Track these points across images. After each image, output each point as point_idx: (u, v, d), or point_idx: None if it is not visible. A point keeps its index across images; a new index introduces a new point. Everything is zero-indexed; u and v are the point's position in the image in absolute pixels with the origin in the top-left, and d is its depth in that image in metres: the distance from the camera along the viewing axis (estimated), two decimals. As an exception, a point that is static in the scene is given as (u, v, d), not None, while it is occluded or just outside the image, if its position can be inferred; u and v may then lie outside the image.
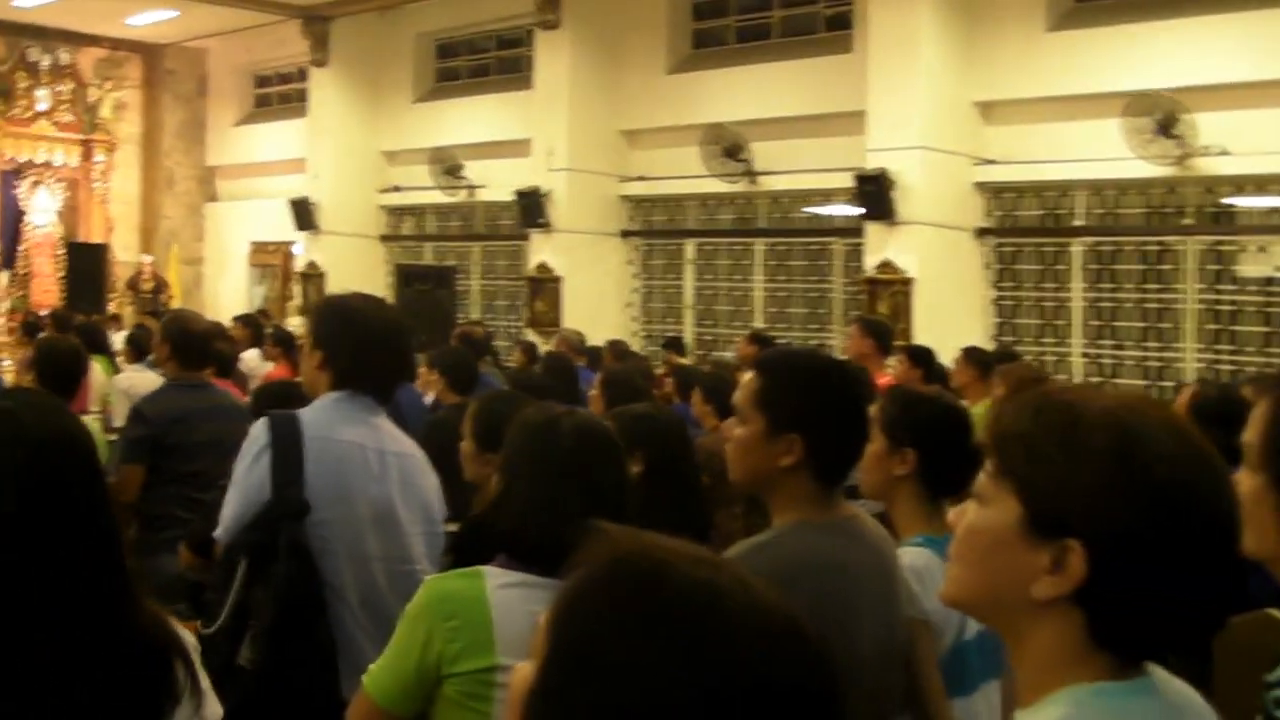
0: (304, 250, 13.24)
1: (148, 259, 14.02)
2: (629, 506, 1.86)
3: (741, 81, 10.00)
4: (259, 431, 2.35)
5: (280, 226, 13.25)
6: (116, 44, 14.90)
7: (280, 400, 2.92)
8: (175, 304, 12.73)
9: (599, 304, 10.59)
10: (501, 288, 12.23)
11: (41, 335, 6.57)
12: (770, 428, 1.80)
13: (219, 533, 2.36)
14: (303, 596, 2.24)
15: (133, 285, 13.41)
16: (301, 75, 13.81)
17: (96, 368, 6.46)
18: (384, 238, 13.22)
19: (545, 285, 10.66)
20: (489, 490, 2.22)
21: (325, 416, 2.39)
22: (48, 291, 13.71)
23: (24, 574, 1.29)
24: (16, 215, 14.24)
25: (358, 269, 12.06)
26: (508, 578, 1.77)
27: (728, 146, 9.81)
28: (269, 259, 14.31)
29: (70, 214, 14.56)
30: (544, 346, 8.78)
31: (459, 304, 11.30)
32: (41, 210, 14.41)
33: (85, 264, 12.79)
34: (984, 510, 0.99)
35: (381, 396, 2.46)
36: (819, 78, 9.49)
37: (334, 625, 2.28)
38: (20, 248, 14.19)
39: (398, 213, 13.22)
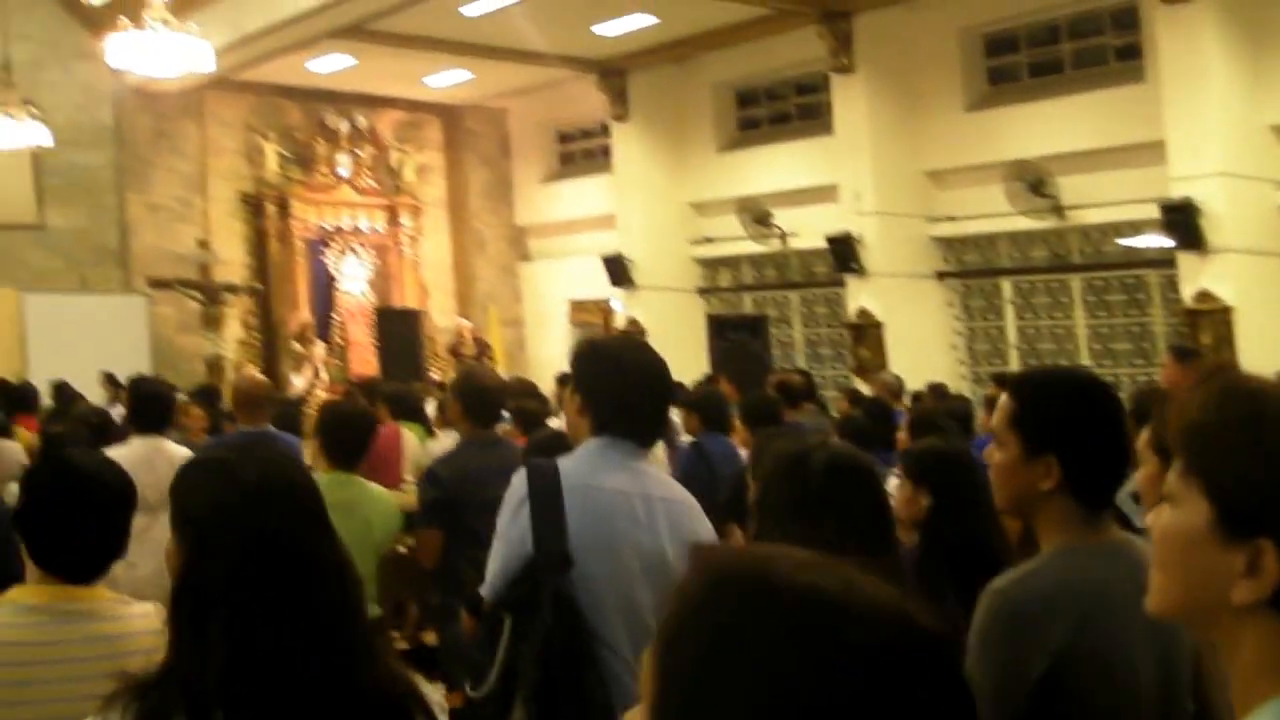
0: (623, 307, 17.71)
1: (467, 323, 18.60)
2: (890, 540, 2.36)
3: (1040, 116, 13.61)
4: (518, 483, 2.98)
5: (596, 283, 17.86)
6: (415, 106, 20.08)
7: (551, 450, 3.46)
8: (499, 367, 17.30)
9: (921, 347, 14.29)
10: (824, 335, 16.23)
11: (325, 401, 8.53)
12: (1027, 450, 2.28)
13: (484, 590, 2.99)
14: (569, 652, 2.77)
15: (454, 350, 17.81)
16: (603, 130, 18.58)
17: (409, 436, 7.92)
18: (701, 290, 17.57)
19: (867, 331, 14.50)
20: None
21: (586, 464, 3.00)
22: (366, 361, 17.81)
23: (247, 624, 1.82)
24: (327, 283, 19.01)
25: (678, 323, 16.34)
26: None
27: (1032, 182, 13.38)
28: (589, 317, 19.00)
29: (382, 280, 19.42)
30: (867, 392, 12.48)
31: (782, 352, 15.33)
32: (352, 277, 19.20)
33: (398, 330, 16.68)
34: (1175, 511, 1.22)
35: (644, 441, 3.12)
36: (1115, 109, 12.93)
37: (609, 681, 2.79)
38: (335, 317, 18.92)
39: (712, 264, 17.61)
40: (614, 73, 17.47)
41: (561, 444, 3.56)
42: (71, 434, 6.02)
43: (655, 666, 0.94)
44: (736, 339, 13.61)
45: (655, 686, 0.93)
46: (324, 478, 4.90)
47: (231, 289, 16.95)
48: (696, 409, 7.77)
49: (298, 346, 17.55)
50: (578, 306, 19.35)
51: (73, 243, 17.86)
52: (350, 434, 5.21)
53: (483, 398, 5.40)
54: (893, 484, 3.73)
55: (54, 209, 17.83)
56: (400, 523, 5.32)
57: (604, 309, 18.58)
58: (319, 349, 17.79)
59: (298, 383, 16.66)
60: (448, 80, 18.54)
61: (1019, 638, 2.19)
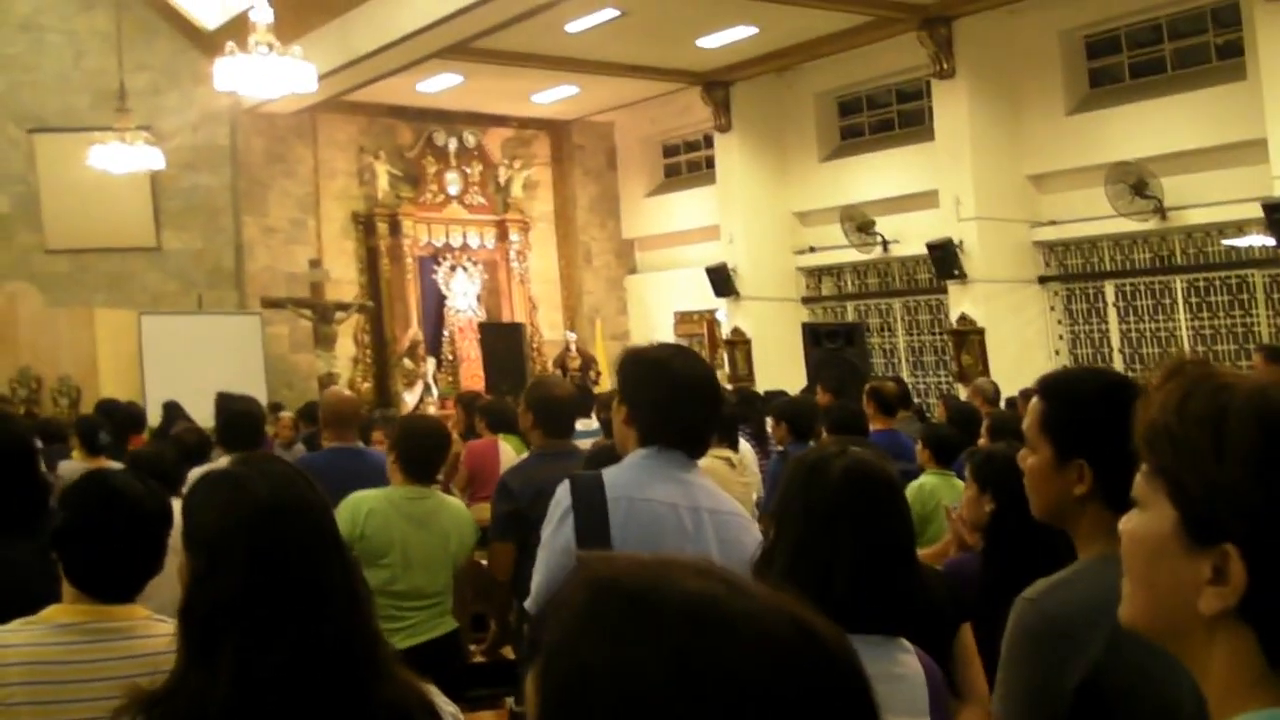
0: (727, 317, 18.09)
1: (572, 336, 19.22)
2: (909, 549, 2.35)
3: (1141, 117, 13.66)
4: (562, 494, 3.02)
5: (702, 295, 18.30)
6: (523, 123, 20.75)
7: (607, 462, 3.42)
8: (605, 381, 17.79)
9: (1024, 353, 14.41)
10: (927, 342, 16.41)
11: (405, 415, 8.46)
12: (1058, 455, 2.27)
13: (528, 603, 3.03)
14: None
15: (560, 364, 18.47)
16: (707, 142, 19.01)
17: (507, 449, 8.11)
18: (805, 299, 17.88)
19: (968, 337, 14.64)
20: None
21: (632, 475, 3.05)
22: (475, 376, 18.42)
23: (255, 642, 1.86)
24: (438, 300, 19.76)
25: (781, 332, 16.61)
26: None
27: (1134, 184, 13.41)
28: (694, 328, 19.41)
29: (491, 296, 20.13)
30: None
31: (885, 360, 15.54)
32: (462, 294, 19.97)
33: (502, 344, 17.28)
34: (1141, 516, 1.22)
35: (693, 451, 3.15)
36: (1217, 107, 12.95)
37: None
38: (445, 333, 19.64)
39: (816, 273, 17.93)
40: (717, 84, 17.87)
41: (617, 456, 3.48)
42: (156, 454, 6.31)
43: (537, 680, 0.93)
44: (832, 347, 13.82)
45: (536, 701, 0.93)
46: (398, 491, 5.19)
47: (343, 307, 17.66)
48: (785, 419, 8.05)
49: (408, 363, 18.25)
50: (683, 318, 19.80)
51: (189, 264, 18.78)
52: (425, 447, 5.30)
53: (554, 408, 5.50)
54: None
55: (171, 231, 18.78)
56: (477, 536, 5.44)
57: (709, 320, 18.99)
58: (429, 365, 18.49)
59: (409, 399, 17.30)
60: (554, 96, 19.11)
61: (1051, 649, 2.17)
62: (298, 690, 1.88)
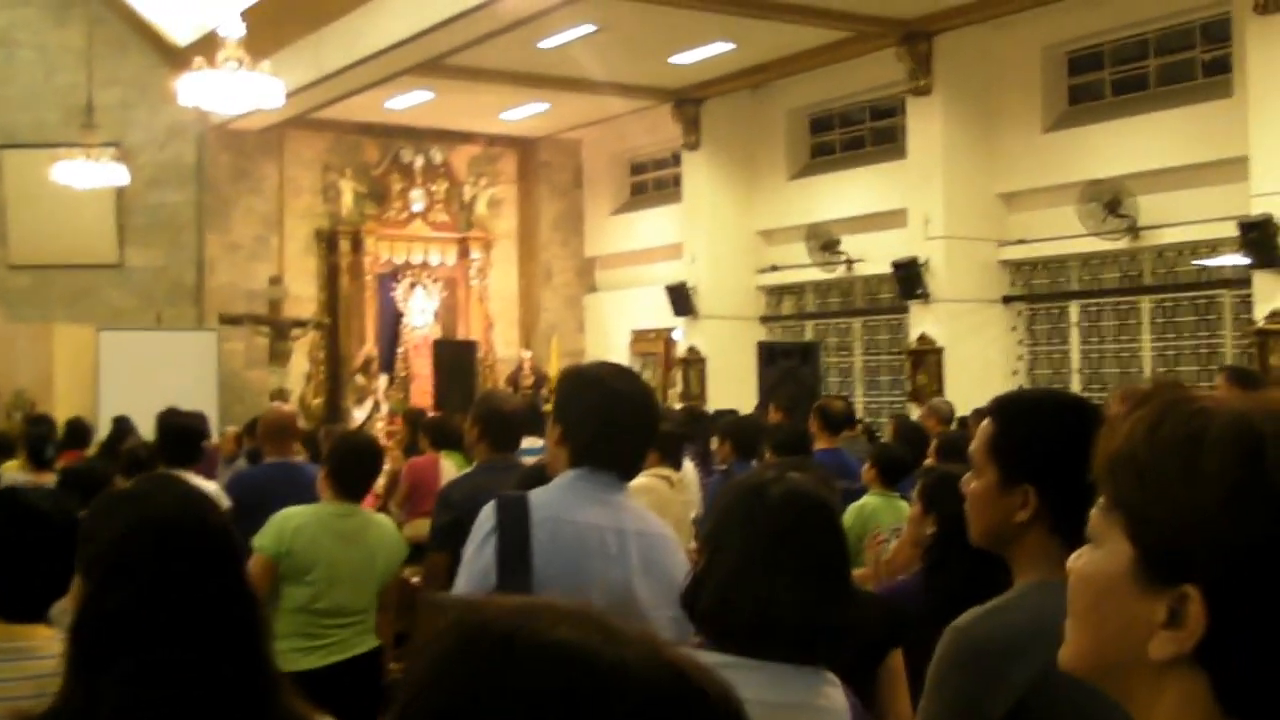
0: (684, 336, 18.14)
1: (527, 354, 19.32)
2: (844, 578, 2.35)
3: (1120, 134, 13.72)
4: (486, 514, 3.01)
5: (660, 313, 18.38)
6: (491, 140, 20.85)
7: (538, 482, 3.38)
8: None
9: (983, 373, 14.43)
10: (884, 362, 16.46)
11: (339, 432, 8.50)
12: (1004, 479, 2.25)
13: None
14: None
15: (513, 381, 18.55)
16: (675, 160, 19.06)
17: (448, 465, 8.21)
18: (764, 319, 17.92)
19: (926, 357, 14.70)
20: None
21: (559, 496, 3.05)
22: (426, 393, 18.22)
23: (144, 666, 1.83)
24: (394, 318, 19.91)
25: (738, 352, 16.66)
26: (708, 660, 2.38)
27: (1108, 202, 13.47)
28: (650, 347, 19.52)
29: (448, 314, 20.26)
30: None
31: (841, 379, 15.58)
32: (419, 311, 20.09)
33: (454, 362, 17.16)
34: (1095, 553, 1.14)
35: (626, 473, 3.13)
36: (1199, 124, 12.99)
37: None
38: (399, 350, 19.76)
39: (777, 292, 17.97)
40: (688, 101, 17.94)
41: (547, 477, 3.43)
42: (88, 469, 6.34)
43: None
44: (787, 365, 13.87)
45: None
46: (327, 508, 5.22)
47: (299, 324, 17.72)
48: (730, 437, 8.06)
49: (361, 379, 18.27)
50: (639, 336, 19.87)
51: (150, 281, 18.83)
52: (356, 464, 5.35)
53: (501, 421, 5.55)
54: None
55: (134, 248, 18.83)
56: (405, 553, 5.49)
57: (665, 339, 19.07)
58: (381, 382, 18.58)
59: (358, 415, 17.34)
60: (524, 113, 19.20)
61: (975, 678, 2.14)
62: (193, 711, 1.85)
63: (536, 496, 3.04)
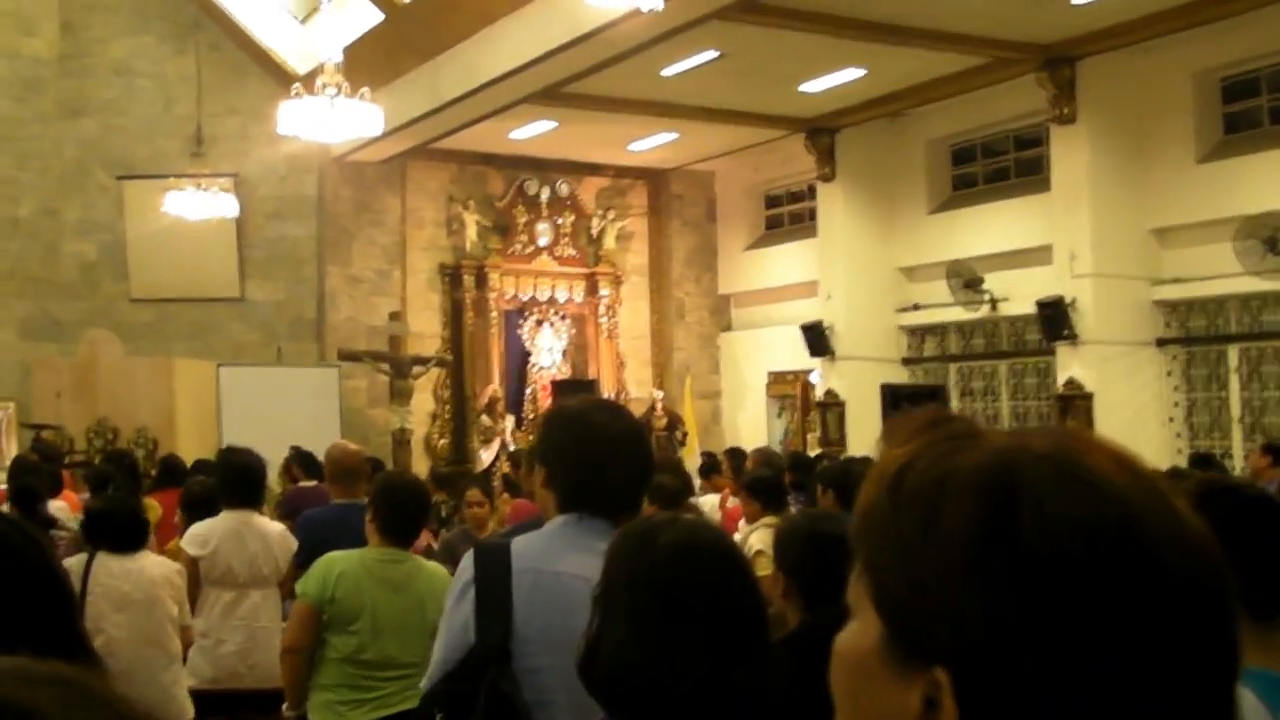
0: (822, 378, 18.08)
1: (659, 395, 19.40)
2: (757, 632, 2.24)
3: (1278, 166, 13.32)
4: (465, 565, 2.97)
5: (797, 354, 18.28)
6: (619, 171, 20.97)
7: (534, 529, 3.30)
8: (691, 440, 17.92)
9: (1136, 420, 14.15)
10: (1032, 408, 16.20)
11: (384, 473, 8.27)
12: None
13: (423, 682, 2.99)
14: None
15: (645, 424, 18.60)
16: (811, 192, 19.03)
17: None
18: (905, 360, 17.78)
19: (1075, 402, 14.43)
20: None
21: (543, 545, 2.97)
22: None
23: None
24: (522, 357, 20.17)
25: (877, 395, 16.50)
26: None
27: (1267, 238, 13.14)
28: (787, 389, 19.47)
29: (578, 352, 20.43)
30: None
31: (987, 426, 15.36)
32: (547, 350, 20.31)
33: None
34: (849, 628, 0.99)
35: (617, 518, 2.91)
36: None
37: None
38: (527, 390, 20.02)
39: (919, 332, 17.81)
40: (822, 131, 17.89)
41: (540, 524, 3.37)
42: (105, 511, 6.33)
43: None
44: (910, 411, 13.76)
45: None
46: (373, 553, 5.21)
47: (421, 361, 17.94)
48: (832, 485, 7.87)
49: (486, 420, 18.50)
50: (776, 378, 19.79)
51: (271, 315, 19.33)
52: (403, 508, 5.31)
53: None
54: None
55: (255, 281, 19.36)
56: None
57: (803, 381, 18.99)
58: (508, 422, 18.75)
59: (484, 456, 17.57)
60: (652, 143, 19.29)
61: None
62: None
63: (518, 545, 2.98)
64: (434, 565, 5.53)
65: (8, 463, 16.12)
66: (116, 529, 6.15)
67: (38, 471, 9.36)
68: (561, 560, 2.91)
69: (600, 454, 2.99)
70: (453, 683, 2.85)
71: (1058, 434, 0.96)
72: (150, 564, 6.20)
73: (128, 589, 5.99)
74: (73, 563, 6.04)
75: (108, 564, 6.03)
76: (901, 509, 0.94)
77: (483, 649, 2.82)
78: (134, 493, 8.62)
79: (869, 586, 0.96)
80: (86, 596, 5.83)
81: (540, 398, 19.86)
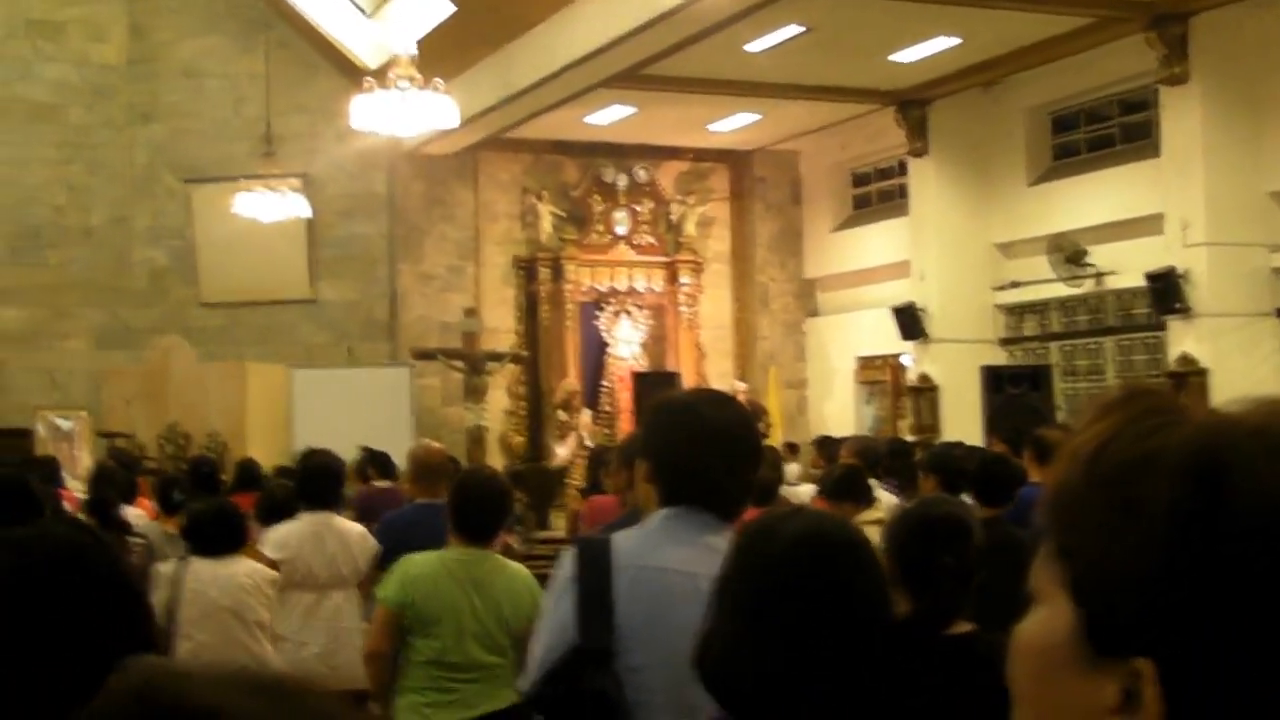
0: (913, 362, 17.81)
1: (742, 385, 19.15)
2: (876, 631, 2.18)
3: None
4: (565, 562, 2.94)
5: (887, 338, 18.06)
6: (699, 155, 20.77)
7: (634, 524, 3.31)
8: (775, 431, 17.72)
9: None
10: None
11: (462, 470, 8.36)
12: None
13: (520, 682, 2.98)
14: None
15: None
16: (901, 169, 18.77)
17: None
18: (1003, 341, 17.45)
19: (1189, 379, 14.05)
20: None
21: (646, 540, 2.94)
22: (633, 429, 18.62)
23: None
24: (599, 349, 20.06)
25: (974, 378, 16.21)
26: None
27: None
28: (876, 375, 19.24)
29: (656, 343, 20.28)
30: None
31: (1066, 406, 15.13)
32: (625, 342, 20.19)
33: (656, 395, 17.67)
34: (1035, 616, 0.97)
35: (726, 511, 2.96)
36: None
37: None
38: (604, 383, 19.92)
39: (1017, 311, 17.46)
40: (913, 104, 17.63)
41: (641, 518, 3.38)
42: (201, 514, 6.41)
43: None
44: (1015, 393, 13.57)
45: None
46: (452, 554, 5.19)
47: (495, 357, 17.89)
48: (935, 471, 7.74)
49: (563, 415, 18.40)
50: (865, 364, 19.58)
51: (343, 315, 19.40)
52: (481, 506, 5.29)
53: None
54: None
55: (325, 282, 19.43)
56: (539, 601, 5.38)
57: (893, 365, 18.76)
58: (585, 417, 18.60)
59: (561, 452, 17.47)
60: (734, 124, 19.11)
61: None
62: None
63: (619, 541, 2.94)
64: (515, 565, 5.51)
65: (81, 471, 16.31)
66: (209, 532, 6.20)
67: (114, 478, 9.41)
68: (664, 555, 2.89)
69: (707, 446, 2.95)
70: (553, 683, 2.81)
71: (1268, 409, 0.92)
72: (241, 570, 6.23)
73: (214, 594, 6.02)
74: (166, 569, 6.16)
75: (199, 569, 6.08)
76: (1100, 490, 0.91)
77: (584, 648, 2.80)
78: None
79: (1062, 572, 0.93)
80: (178, 603, 5.94)
81: (618, 391, 19.78)
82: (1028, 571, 2.26)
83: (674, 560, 2.86)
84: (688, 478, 2.95)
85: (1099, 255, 15.74)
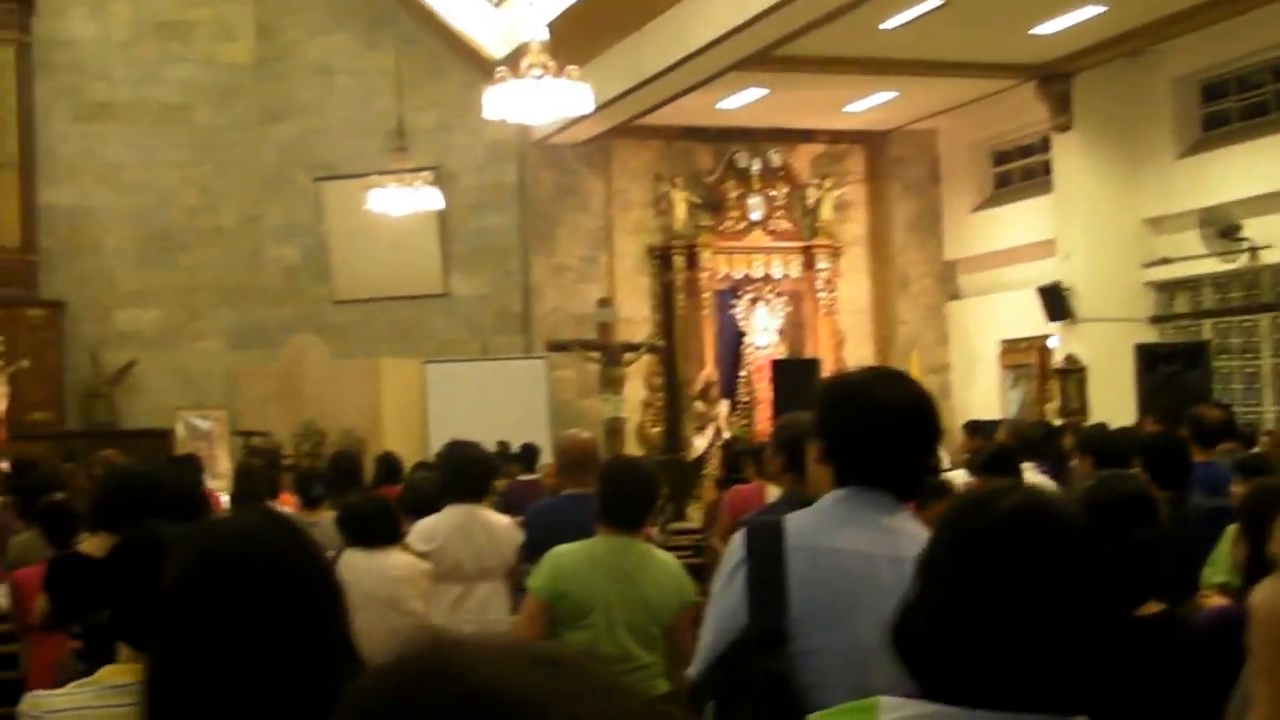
0: (1060, 343, 17.58)
1: (884, 372, 19.08)
2: (1092, 610, 2.08)
3: None
4: (735, 544, 2.95)
5: (1032, 319, 17.84)
6: (834, 137, 20.67)
7: (799, 508, 3.30)
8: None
9: None
10: (1299, 365, 15.48)
11: (609, 458, 8.35)
12: None
13: (690, 669, 2.98)
14: None
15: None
16: (1044, 145, 18.53)
17: (774, 493, 8.34)
18: (1154, 319, 17.15)
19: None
20: None
21: (820, 521, 2.94)
22: (771, 419, 17.87)
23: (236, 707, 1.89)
24: (736, 337, 20.05)
25: (1123, 358, 15.96)
26: (905, 710, 2.05)
27: None
28: (1021, 358, 18.98)
29: (794, 330, 20.20)
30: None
31: (1246, 387, 14.80)
32: (762, 329, 20.11)
33: (796, 383, 16.86)
34: (1269, 581, 1.08)
35: (903, 491, 2.97)
36: None
37: None
38: (742, 373, 19.92)
39: (1168, 288, 17.17)
40: (1055, 77, 17.36)
41: (807, 502, 3.31)
42: (359, 506, 6.53)
43: None
44: (1169, 372, 13.34)
45: None
46: (602, 543, 5.17)
47: (631, 348, 17.93)
48: (1091, 451, 7.75)
49: (700, 405, 18.43)
50: (1009, 347, 19.33)
51: (476, 309, 19.62)
52: (628, 494, 5.26)
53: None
54: None
55: (458, 276, 19.65)
56: (687, 593, 5.30)
57: (1039, 347, 18.51)
58: (723, 407, 18.65)
59: (699, 444, 17.50)
60: (870, 104, 18.99)
61: None
62: None
63: (793, 522, 2.92)
64: (664, 554, 5.47)
65: (220, 469, 16.69)
66: (365, 524, 6.27)
67: (258, 475, 9.63)
68: (839, 536, 2.88)
69: (882, 426, 2.93)
70: (724, 669, 2.82)
71: None
72: (394, 562, 6.30)
73: (370, 585, 6.04)
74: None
75: (354, 561, 6.13)
76: None
77: (756, 631, 2.80)
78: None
79: None
80: None
81: (755, 380, 19.74)
82: (1209, 551, 2.30)
83: (850, 541, 2.86)
84: (864, 458, 2.93)
85: (1253, 228, 15.42)
